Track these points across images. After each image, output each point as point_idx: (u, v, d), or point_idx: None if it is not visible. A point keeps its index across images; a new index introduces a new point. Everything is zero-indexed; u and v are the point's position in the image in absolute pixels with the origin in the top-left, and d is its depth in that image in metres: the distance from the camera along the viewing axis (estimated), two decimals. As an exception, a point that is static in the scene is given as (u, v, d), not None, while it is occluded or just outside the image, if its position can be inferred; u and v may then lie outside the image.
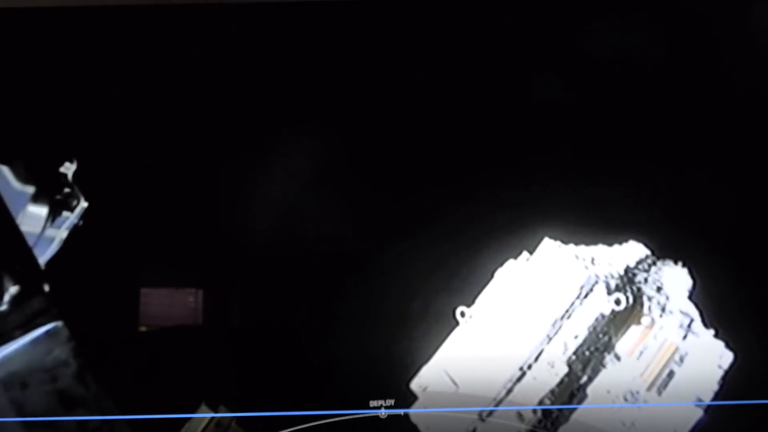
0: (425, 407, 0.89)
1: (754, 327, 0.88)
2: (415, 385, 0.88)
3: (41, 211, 0.91)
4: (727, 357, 0.86)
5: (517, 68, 0.95)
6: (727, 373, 0.86)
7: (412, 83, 0.96)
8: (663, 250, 0.89)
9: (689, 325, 0.87)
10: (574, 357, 0.87)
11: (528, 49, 0.96)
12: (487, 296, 0.87)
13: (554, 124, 0.94)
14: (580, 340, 0.87)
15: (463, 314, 0.87)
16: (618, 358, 0.87)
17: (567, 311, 0.87)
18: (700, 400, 0.86)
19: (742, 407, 0.87)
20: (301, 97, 0.96)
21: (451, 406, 0.89)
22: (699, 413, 0.86)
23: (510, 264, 0.89)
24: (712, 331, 0.87)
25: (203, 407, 0.90)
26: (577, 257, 0.88)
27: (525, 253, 0.89)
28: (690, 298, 0.88)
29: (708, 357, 0.86)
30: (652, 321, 0.88)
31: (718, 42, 0.97)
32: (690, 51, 0.97)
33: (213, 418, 0.89)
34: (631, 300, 0.88)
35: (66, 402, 0.85)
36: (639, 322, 0.87)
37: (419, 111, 0.95)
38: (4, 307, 0.84)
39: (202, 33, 0.96)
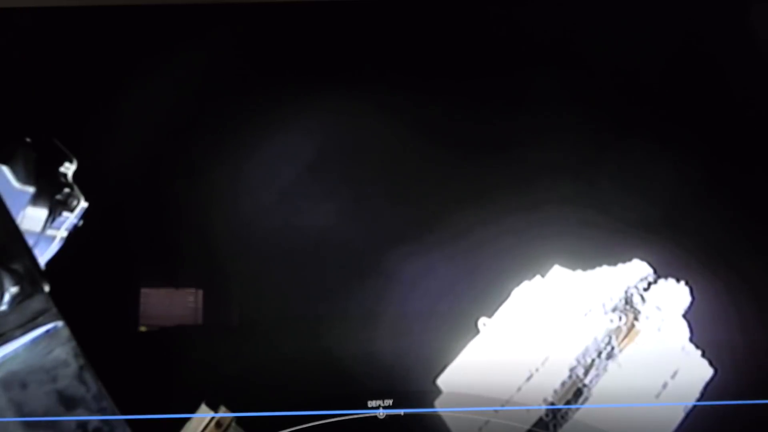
0: (448, 401, 0.92)
1: (738, 345, 0.93)
2: (441, 381, 0.92)
3: (41, 211, 0.91)
4: (709, 372, 0.92)
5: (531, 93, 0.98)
6: (708, 384, 0.92)
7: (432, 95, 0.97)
8: (665, 268, 0.95)
9: (683, 347, 0.93)
10: (575, 362, 0.93)
11: (539, 75, 0.98)
12: (504, 310, 0.95)
13: (565, 156, 0.97)
14: (581, 350, 0.93)
15: (484, 324, 0.94)
16: (619, 366, 0.93)
17: (571, 325, 0.94)
18: (686, 406, 0.92)
19: (721, 408, 0.91)
20: (307, 96, 0.96)
21: (467, 402, 0.91)
22: (683, 415, 0.92)
23: (525, 284, 0.95)
24: (700, 352, 0.93)
25: (203, 407, 0.90)
26: (581, 281, 0.95)
27: (538, 276, 0.95)
28: (684, 316, 0.93)
29: (695, 370, 0.93)
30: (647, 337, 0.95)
31: (722, 52, 0.98)
32: (695, 65, 0.98)
33: (213, 418, 0.90)
34: (627, 318, 0.95)
35: (66, 402, 0.85)
36: (635, 339, 0.94)
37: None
38: (4, 307, 0.84)
39: (202, 33, 0.96)
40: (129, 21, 0.95)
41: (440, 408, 0.91)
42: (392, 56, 0.97)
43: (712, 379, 0.92)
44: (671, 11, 0.98)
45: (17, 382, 0.84)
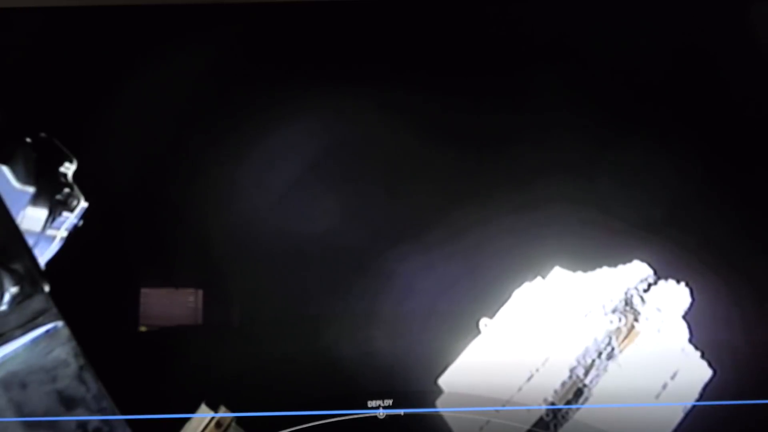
0: (448, 401, 0.92)
1: (738, 346, 0.93)
2: (442, 381, 0.93)
3: (41, 211, 0.91)
4: (708, 372, 0.93)
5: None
6: (707, 384, 0.93)
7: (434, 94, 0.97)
8: (665, 269, 0.95)
9: (682, 348, 0.94)
10: (575, 363, 0.93)
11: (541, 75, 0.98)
12: (505, 311, 0.95)
13: (567, 159, 0.97)
14: (581, 350, 0.94)
15: (486, 324, 0.94)
16: (619, 366, 0.94)
17: (571, 326, 0.95)
18: (685, 407, 0.93)
19: (720, 408, 0.91)
20: (306, 95, 0.96)
21: (468, 402, 0.92)
22: (682, 415, 0.92)
23: (526, 286, 0.95)
24: (699, 353, 0.94)
25: (203, 407, 0.90)
26: (582, 283, 0.96)
27: (539, 278, 0.95)
28: (684, 317, 0.94)
29: (695, 371, 0.93)
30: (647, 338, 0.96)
31: (722, 51, 0.98)
32: (695, 64, 0.98)
33: (213, 418, 0.90)
34: (626, 320, 0.95)
35: (66, 402, 0.85)
36: (635, 340, 0.95)
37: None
38: (4, 307, 0.84)
39: (201, 33, 0.96)
40: (129, 21, 0.95)
41: (441, 408, 0.91)
42: (392, 55, 0.97)
43: (711, 379, 0.92)
44: (671, 10, 0.98)
45: (17, 382, 0.84)
